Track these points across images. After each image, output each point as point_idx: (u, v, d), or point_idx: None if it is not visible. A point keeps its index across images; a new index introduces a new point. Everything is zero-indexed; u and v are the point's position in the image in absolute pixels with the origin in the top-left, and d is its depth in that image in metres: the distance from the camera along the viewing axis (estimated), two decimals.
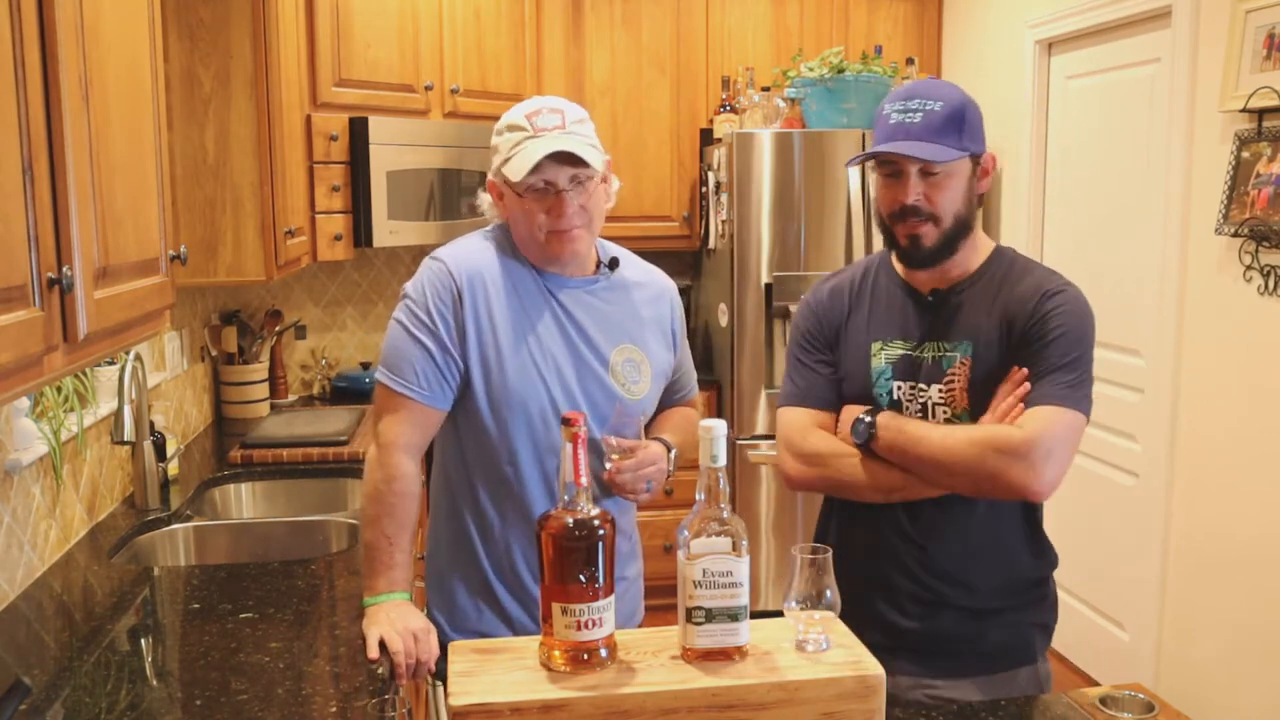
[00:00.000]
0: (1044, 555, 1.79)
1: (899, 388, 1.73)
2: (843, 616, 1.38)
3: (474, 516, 1.83)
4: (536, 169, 1.69)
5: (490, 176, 1.81)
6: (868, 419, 1.69)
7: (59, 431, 2.16)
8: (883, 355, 1.75)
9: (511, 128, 1.75)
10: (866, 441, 1.68)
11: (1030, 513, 1.76)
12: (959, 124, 1.65)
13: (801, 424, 1.77)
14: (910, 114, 1.65)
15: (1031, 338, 1.65)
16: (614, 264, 1.88)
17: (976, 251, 1.74)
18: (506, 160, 1.73)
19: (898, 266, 1.78)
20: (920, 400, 1.71)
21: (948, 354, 1.70)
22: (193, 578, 2.11)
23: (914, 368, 1.72)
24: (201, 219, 2.79)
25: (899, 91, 1.71)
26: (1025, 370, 1.64)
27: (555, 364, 1.77)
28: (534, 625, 1.76)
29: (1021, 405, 1.63)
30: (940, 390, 1.70)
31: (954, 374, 1.69)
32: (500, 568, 1.82)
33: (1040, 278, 1.71)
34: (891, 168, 1.68)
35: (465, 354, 1.75)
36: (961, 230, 1.69)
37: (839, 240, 4.01)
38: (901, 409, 1.72)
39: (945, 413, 1.69)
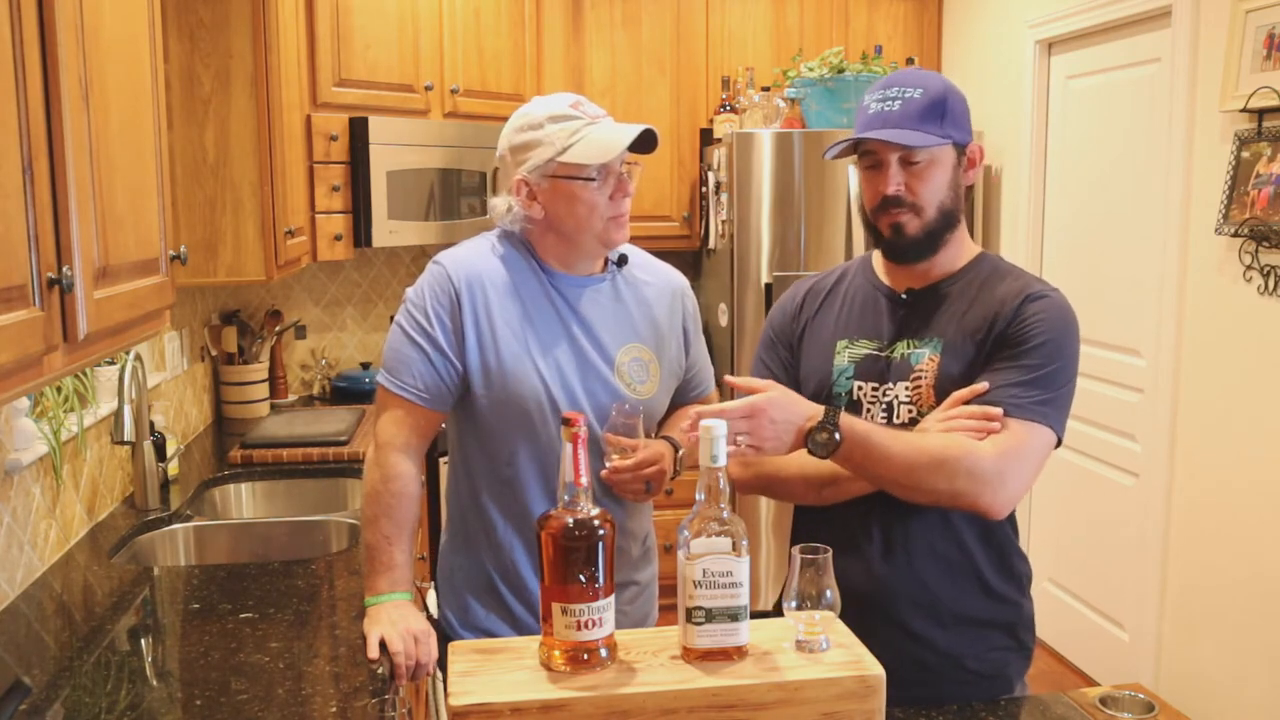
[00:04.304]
0: (1014, 571, 1.68)
1: (859, 388, 1.65)
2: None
3: (477, 517, 1.83)
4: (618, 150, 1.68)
5: (523, 174, 1.75)
6: (829, 431, 1.49)
7: (59, 431, 2.16)
8: (846, 354, 1.68)
9: (556, 118, 1.72)
10: (829, 453, 1.49)
11: (1002, 523, 1.66)
12: (940, 111, 1.59)
13: None
14: (889, 102, 1.59)
15: (1010, 340, 1.58)
16: (623, 261, 1.87)
17: (960, 254, 1.69)
18: (568, 148, 1.70)
19: (878, 267, 1.74)
20: (885, 400, 1.63)
21: (916, 350, 1.63)
22: (193, 578, 2.11)
23: (880, 368, 1.64)
24: (201, 219, 2.79)
25: (879, 81, 1.65)
26: (985, 386, 1.55)
27: (557, 364, 1.77)
28: (538, 625, 1.76)
29: (983, 418, 1.53)
30: (907, 388, 1.62)
31: (922, 370, 1.62)
32: (503, 568, 1.82)
33: (1025, 281, 1.64)
34: (872, 159, 1.62)
35: (464, 357, 1.75)
36: (947, 223, 1.63)
37: (839, 240, 4.01)
38: (861, 409, 1.65)
39: (911, 411, 1.62)
